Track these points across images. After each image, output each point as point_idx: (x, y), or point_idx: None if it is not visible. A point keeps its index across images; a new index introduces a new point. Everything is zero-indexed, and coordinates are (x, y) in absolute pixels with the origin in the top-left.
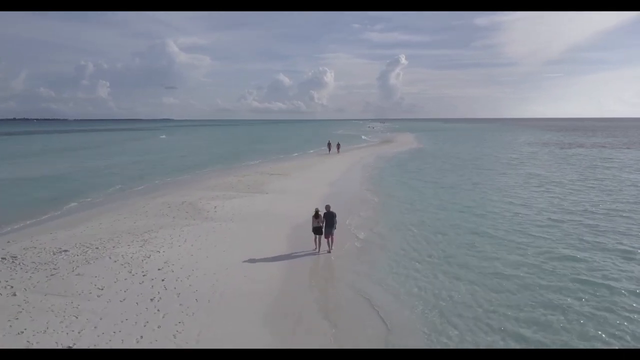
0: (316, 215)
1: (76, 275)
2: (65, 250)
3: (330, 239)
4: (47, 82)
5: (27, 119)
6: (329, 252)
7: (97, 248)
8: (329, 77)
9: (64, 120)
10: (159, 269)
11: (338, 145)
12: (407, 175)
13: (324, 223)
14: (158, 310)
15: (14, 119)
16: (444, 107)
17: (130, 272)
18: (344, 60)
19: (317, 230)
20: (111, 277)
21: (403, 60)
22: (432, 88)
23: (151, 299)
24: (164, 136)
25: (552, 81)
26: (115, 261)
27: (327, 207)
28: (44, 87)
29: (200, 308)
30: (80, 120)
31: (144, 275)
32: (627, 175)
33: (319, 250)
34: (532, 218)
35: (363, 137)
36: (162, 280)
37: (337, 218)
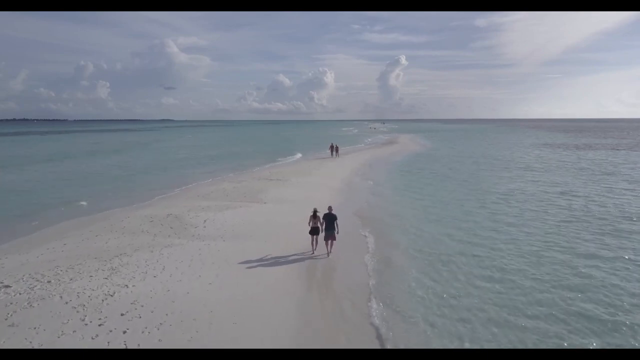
0: (314, 215)
1: (9, 326)
2: (7, 286)
3: (330, 242)
4: (46, 83)
5: (27, 120)
6: (327, 255)
7: (49, 282)
8: (329, 78)
9: (64, 121)
10: (122, 314)
11: (337, 148)
12: (409, 183)
13: (324, 225)
14: None
15: (14, 120)
16: (442, 108)
17: (83, 320)
18: (344, 60)
19: (314, 231)
20: (55, 328)
21: (403, 60)
22: (431, 89)
23: None
24: (190, 135)
25: (551, 82)
26: (66, 302)
27: (329, 208)
28: (44, 88)
29: None
30: (80, 120)
31: (100, 325)
32: None
33: (314, 252)
34: (565, 250)
35: (381, 136)
36: (124, 332)
37: (337, 222)
